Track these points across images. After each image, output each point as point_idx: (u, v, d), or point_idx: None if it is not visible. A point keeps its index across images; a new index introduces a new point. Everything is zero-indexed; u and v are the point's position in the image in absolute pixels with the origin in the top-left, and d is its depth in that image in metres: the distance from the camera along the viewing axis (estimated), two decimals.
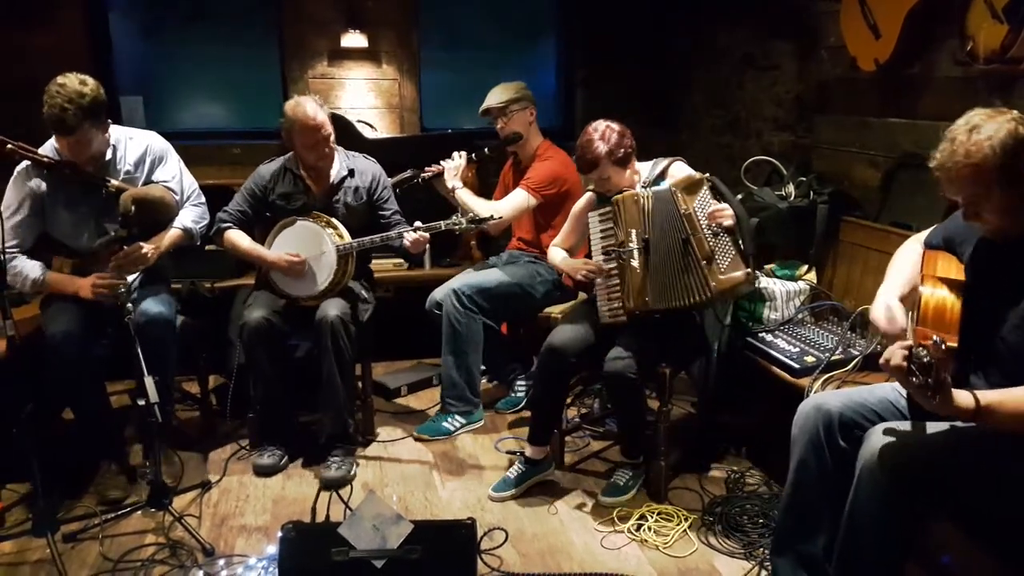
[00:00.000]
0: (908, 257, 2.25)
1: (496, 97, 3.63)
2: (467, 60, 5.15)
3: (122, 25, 4.70)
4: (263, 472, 3.15)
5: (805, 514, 2.19)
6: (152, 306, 2.93)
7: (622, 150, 2.90)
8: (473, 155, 3.63)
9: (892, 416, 2.09)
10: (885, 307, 2.09)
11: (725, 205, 2.77)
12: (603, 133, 2.89)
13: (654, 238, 2.83)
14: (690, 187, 2.82)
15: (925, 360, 1.64)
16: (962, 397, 1.74)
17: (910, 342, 1.72)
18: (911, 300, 2.07)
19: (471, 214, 3.17)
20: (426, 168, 3.56)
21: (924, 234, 2.28)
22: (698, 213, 2.78)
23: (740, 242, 2.78)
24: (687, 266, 2.80)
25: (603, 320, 2.94)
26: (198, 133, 4.77)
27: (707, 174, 2.87)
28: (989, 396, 1.77)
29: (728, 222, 2.74)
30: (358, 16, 4.67)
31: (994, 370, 1.93)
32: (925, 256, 2.14)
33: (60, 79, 2.73)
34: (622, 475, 2.98)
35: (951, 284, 1.98)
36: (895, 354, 1.74)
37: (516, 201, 3.55)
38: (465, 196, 3.50)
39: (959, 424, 1.99)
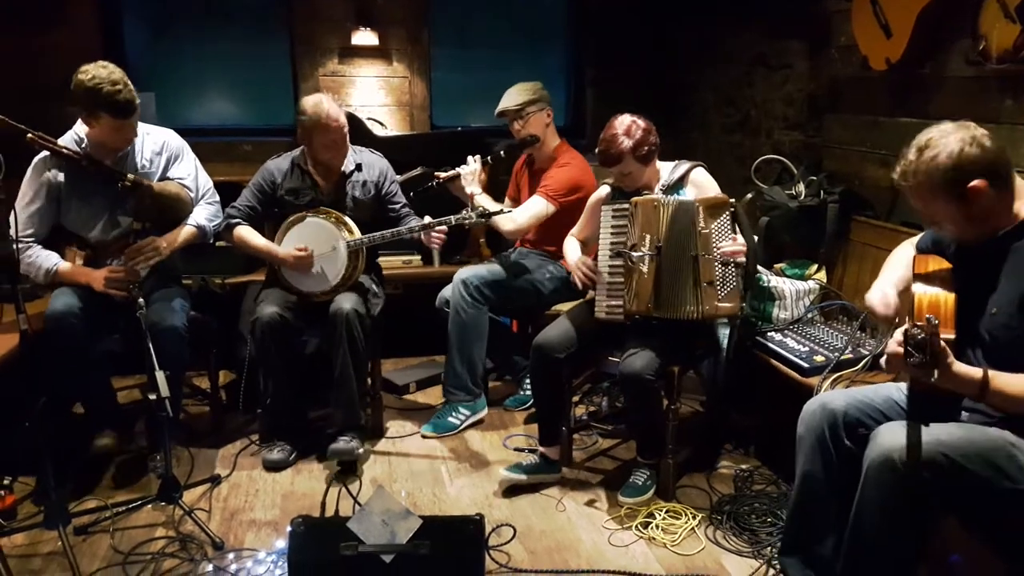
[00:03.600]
0: (901, 259, 2.31)
1: (512, 99, 3.57)
2: (477, 58, 5.16)
3: (134, 21, 4.73)
4: (272, 467, 3.16)
5: (812, 514, 2.19)
6: (166, 317, 2.94)
7: (646, 147, 2.88)
8: (489, 158, 3.59)
9: (897, 415, 2.10)
10: (881, 292, 2.19)
11: (742, 243, 2.77)
12: (628, 128, 2.87)
13: (667, 247, 2.82)
14: (714, 208, 2.79)
15: (920, 337, 1.69)
16: (969, 371, 1.81)
17: (905, 326, 1.77)
18: (906, 301, 2.11)
19: (480, 208, 3.17)
20: (438, 172, 3.55)
21: (916, 238, 2.35)
22: (714, 236, 2.77)
23: (743, 276, 2.81)
24: (689, 283, 2.80)
25: (598, 315, 2.94)
26: (209, 129, 4.79)
27: (732, 199, 2.85)
28: (999, 374, 1.82)
29: (741, 259, 2.77)
30: (369, 14, 4.68)
31: (985, 361, 1.97)
32: (916, 259, 2.19)
33: (98, 66, 2.76)
34: (640, 475, 2.98)
35: (943, 281, 2.03)
36: (892, 342, 1.83)
37: (535, 209, 3.50)
38: (484, 203, 3.49)
39: (964, 422, 2.00)
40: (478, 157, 3.54)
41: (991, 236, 1.99)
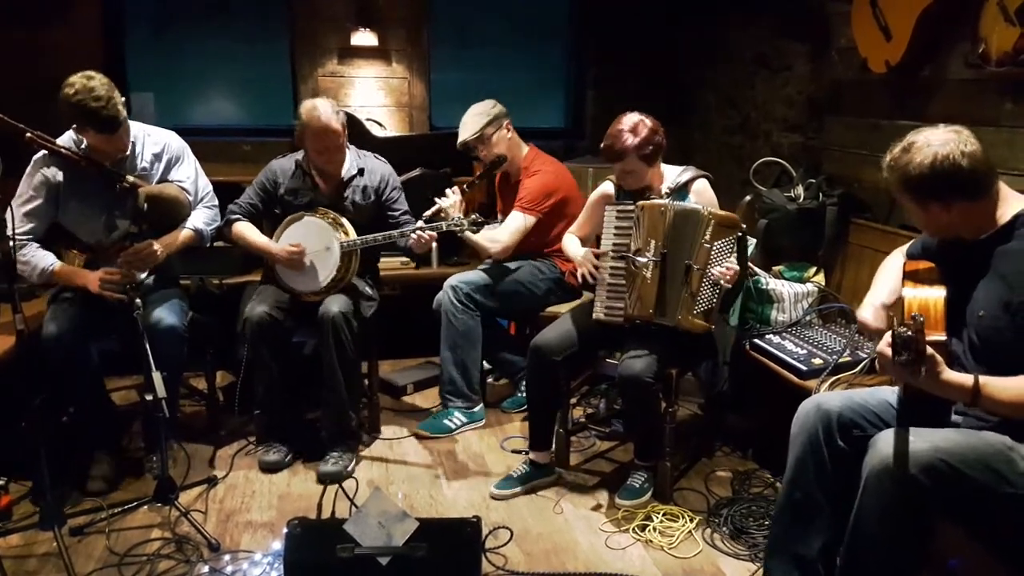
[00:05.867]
0: (892, 269, 2.32)
1: (469, 129, 3.52)
2: (477, 59, 5.17)
3: (135, 20, 4.74)
4: (269, 468, 3.15)
5: (801, 514, 2.17)
6: (165, 316, 2.93)
7: (650, 147, 2.86)
8: (465, 187, 3.49)
9: (892, 418, 2.10)
10: (872, 308, 2.22)
11: (736, 268, 2.76)
12: (634, 126, 2.86)
13: (671, 253, 2.81)
14: (724, 227, 2.78)
15: (906, 336, 1.71)
16: (959, 377, 1.83)
17: (892, 328, 1.79)
18: (898, 308, 2.13)
19: (473, 215, 3.17)
20: (424, 215, 3.33)
21: (907, 245, 2.37)
22: (713, 253, 2.76)
23: (723, 300, 2.83)
24: (676, 289, 2.79)
25: (596, 316, 2.93)
26: (208, 129, 4.80)
27: (743, 225, 2.84)
28: (990, 380, 1.83)
29: (729, 286, 2.77)
30: (369, 14, 4.69)
31: (975, 362, 1.98)
32: (906, 264, 2.21)
33: (83, 78, 2.71)
34: (638, 477, 2.97)
35: (932, 283, 2.06)
36: (881, 344, 1.86)
37: (515, 225, 3.49)
38: (469, 233, 3.38)
39: (960, 426, 2.00)
40: (456, 188, 3.45)
41: (974, 239, 2.01)
